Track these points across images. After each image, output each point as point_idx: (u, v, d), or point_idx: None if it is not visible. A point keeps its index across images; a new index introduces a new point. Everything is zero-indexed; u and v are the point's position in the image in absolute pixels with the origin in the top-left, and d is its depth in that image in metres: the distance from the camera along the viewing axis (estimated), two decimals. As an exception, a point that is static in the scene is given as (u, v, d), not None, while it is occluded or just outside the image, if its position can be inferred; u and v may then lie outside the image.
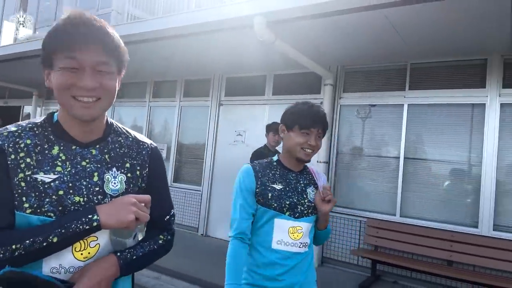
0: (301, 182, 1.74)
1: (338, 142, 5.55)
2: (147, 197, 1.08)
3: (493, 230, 4.36)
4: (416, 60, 5.01)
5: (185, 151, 7.32)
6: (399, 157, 5.04)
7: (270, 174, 1.71)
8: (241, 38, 4.77)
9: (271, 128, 4.63)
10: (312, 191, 1.74)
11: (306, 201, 1.71)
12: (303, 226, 1.68)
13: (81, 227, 0.96)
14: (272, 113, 6.03)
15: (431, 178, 4.89)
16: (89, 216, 0.97)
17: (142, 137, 1.22)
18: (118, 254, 1.07)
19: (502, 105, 4.46)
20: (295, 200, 1.68)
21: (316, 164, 5.31)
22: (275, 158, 1.80)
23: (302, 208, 1.68)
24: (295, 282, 1.65)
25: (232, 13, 4.29)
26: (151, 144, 1.22)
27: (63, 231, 0.94)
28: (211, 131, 6.82)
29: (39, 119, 1.06)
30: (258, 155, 4.46)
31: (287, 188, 1.69)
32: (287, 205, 1.66)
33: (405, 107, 5.05)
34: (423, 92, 4.95)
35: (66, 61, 0.96)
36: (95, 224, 0.97)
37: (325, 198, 1.70)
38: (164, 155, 7.29)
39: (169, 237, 1.22)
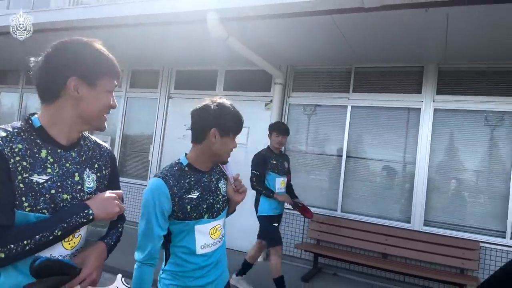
0: (213, 179, 1.71)
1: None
2: (121, 192, 1.29)
3: (424, 225, 4.75)
4: (360, 64, 5.28)
5: (130, 143, 7.08)
6: (341, 155, 5.29)
7: (186, 184, 1.61)
8: (194, 32, 4.70)
9: (275, 128, 4.02)
10: (223, 184, 1.75)
11: (220, 197, 1.71)
12: (221, 222, 1.72)
13: (80, 220, 1.13)
14: (222, 108, 6.04)
15: (370, 176, 5.21)
16: (85, 211, 1.15)
17: (99, 141, 1.39)
18: (105, 241, 1.32)
19: (435, 110, 4.85)
20: (211, 201, 1.66)
21: (264, 161, 5.42)
22: (184, 161, 1.67)
23: (218, 206, 1.69)
24: (219, 273, 1.73)
25: (186, 7, 4.22)
26: (108, 147, 1.41)
27: (65, 225, 1.10)
28: (159, 124, 6.66)
29: (18, 123, 1.16)
30: (260, 159, 3.89)
31: (203, 193, 1.65)
32: (205, 209, 1.64)
33: (349, 108, 5.31)
34: (365, 95, 5.24)
35: (112, 86, 1.24)
36: (91, 217, 1.16)
37: (239, 190, 1.74)
38: (107, 147, 7.01)
39: (124, 225, 1.47)
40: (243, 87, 6.01)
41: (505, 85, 4.56)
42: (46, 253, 1.10)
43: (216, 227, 1.69)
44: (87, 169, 1.25)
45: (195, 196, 1.61)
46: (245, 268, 4.21)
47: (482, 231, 4.49)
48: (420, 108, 4.94)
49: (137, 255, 1.57)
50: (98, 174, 1.30)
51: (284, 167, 4.09)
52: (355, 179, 5.25)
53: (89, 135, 1.36)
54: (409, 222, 4.86)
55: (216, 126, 1.62)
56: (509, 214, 4.36)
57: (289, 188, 4.23)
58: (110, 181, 1.36)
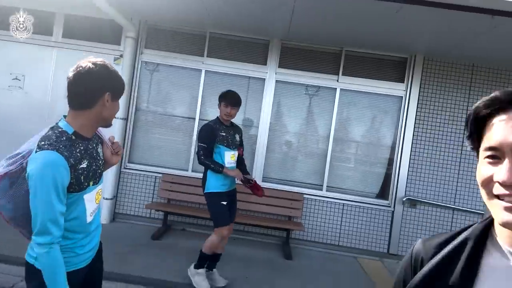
0: (94, 145, 1.66)
1: (137, 99, 5.49)
2: None
3: (263, 181, 5.45)
4: (216, 30, 5.43)
5: None
6: (195, 118, 5.47)
7: (78, 154, 1.53)
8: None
9: (224, 98, 3.55)
10: (100, 148, 1.74)
11: (100, 162, 1.71)
12: (102, 186, 1.76)
13: None
14: (62, 59, 5.34)
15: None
16: None
17: None
18: None
19: (277, 81, 5.48)
20: (94, 167, 1.64)
21: (114, 120, 5.11)
22: (69, 129, 1.53)
23: (100, 171, 1.69)
24: (98, 232, 1.78)
25: None
26: None
27: None
28: (-29, 70, 5.40)
29: None
30: (207, 131, 3.48)
31: (91, 161, 1.61)
32: (91, 177, 1.62)
33: (203, 72, 5.46)
34: (219, 61, 5.46)
35: None
36: None
37: (118, 152, 1.78)
38: None
39: None
40: (88, 37, 5.40)
41: (326, 63, 5.48)
42: None
43: (99, 191, 1.71)
44: None
45: (85, 165, 1.56)
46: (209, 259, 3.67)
47: (305, 185, 5.48)
48: (264, 79, 5.49)
49: (42, 239, 1.41)
50: None
51: (235, 140, 3.67)
52: (205, 140, 5.53)
53: None
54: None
55: (109, 90, 1.55)
56: (325, 171, 5.43)
57: (240, 163, 3.82)
58: None
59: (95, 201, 1.66)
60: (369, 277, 4.50)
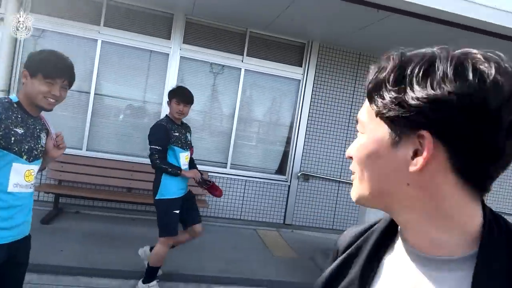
0: (37, 127, 1.81)
1: (20, 69, 4.83)
2: None
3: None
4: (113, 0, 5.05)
5: None
6: (89, 92, 5.06)
7: (13, 117, 1.69)
8: None
9: (176, 95, 3.25)
10: (44, 136, 1.86)
11: (39, 146, 1.82)
12: (35, 169, 1.82)
13: None
14: None
15: (118, 114, 5.29)
16: None
17: None
18: None
19: (181, 57, 5.35)
20: (31, 145, 1.76)
21: (-10, 92, 4.45)
22: (14, 99, 1.75)
23: (36, 153, 1.80)
24: (25, 220, 1.82)
25: None
26: None
27: None
28: None
29: None
30: (161, 132, 3.14)
31: (27, 133, 1.74)
32: (25, 150, 1.73)
33: (99, 43, 5.05)
34: (118, 31, 5.10)
35: None
36: None
37: (60, 146, 1.90)
38: None
39: None
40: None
41: (231, 43, 5.55)
42: None
43: (31, 171, 1.77)
44: None
45: (20, 132, 1.69)
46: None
47: (210, 163, 5.55)
48: (168, 54, 5.32)
49: None
50: None
51: (188, 140, 3.39)
52: (102, 117, 5.18)
53: None
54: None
55: (26, 67, 1.73)
56: (230, 149, 5.57)
57: (191, 163, 3.52)
58: None
59: (24, 178, 1.73)
60: (267, 246, 4.84)
